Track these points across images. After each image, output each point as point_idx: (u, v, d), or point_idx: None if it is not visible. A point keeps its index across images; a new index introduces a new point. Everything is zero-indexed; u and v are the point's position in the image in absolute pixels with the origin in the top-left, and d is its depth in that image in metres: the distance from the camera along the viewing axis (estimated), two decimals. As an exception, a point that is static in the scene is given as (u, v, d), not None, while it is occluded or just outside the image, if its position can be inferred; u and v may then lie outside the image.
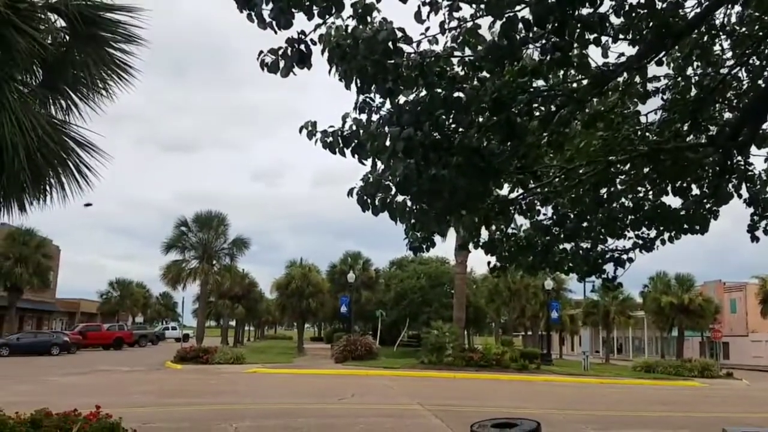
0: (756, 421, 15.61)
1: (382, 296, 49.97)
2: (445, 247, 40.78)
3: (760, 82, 6.10)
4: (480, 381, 26.87)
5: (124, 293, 73.49)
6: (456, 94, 5.04)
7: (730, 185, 6.93)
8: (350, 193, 5.66)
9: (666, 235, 7.19)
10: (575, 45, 4.50)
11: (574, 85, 5.22)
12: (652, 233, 7.02)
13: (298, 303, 44.54)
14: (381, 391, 21.11)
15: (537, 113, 5.10)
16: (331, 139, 5.40)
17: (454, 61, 5.14)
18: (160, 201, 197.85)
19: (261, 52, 4.88)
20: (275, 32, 4.50)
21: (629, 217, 7.03)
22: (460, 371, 29.31)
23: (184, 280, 38.99)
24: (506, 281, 44.44)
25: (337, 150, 5.41)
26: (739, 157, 6.60)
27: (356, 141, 5.34)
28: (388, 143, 5.14)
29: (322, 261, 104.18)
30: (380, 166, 5.57)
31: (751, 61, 6.04)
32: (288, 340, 78.55)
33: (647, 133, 6.49)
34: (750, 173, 6.90)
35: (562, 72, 5.08)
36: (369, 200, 5.60)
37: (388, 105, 5.31)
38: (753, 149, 6.75)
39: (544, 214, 7.01)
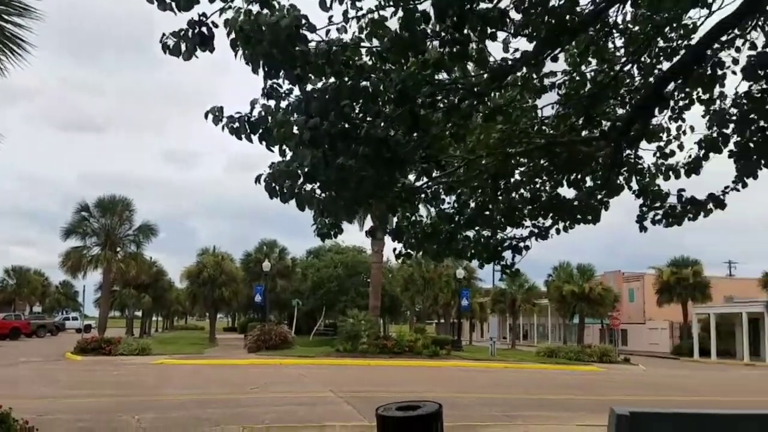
0: (648, 404, 16.69)
1: (298, 285, 49.71)
2: (361, 236, 41.12)
3: (650, 79, 6.51)
4: (393, 368, 27.34)
5: (21, 281, 69.44)
6: (363, 84, 5.11)
7: (621, 178, 7.37)
8: (258, 180, 5.62)
9: (561, 225, 7.57)
10: (475, 39, 4.66)
11: (476, 79, 5.40)
12: (548, 222, 7.37)
13: (210, 292, 43.65)
14: (295, 380, 21.08)
15: (441, 105, 5.24)
16: (237, 124, 5.34)
17: (364, 50, 5.21)
18: (65, 183, 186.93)
19: (163, 34, 4.76)
20: (175, 14, 4.40)
21: (527, 206, 7.36)
22: (374, 359, 29.75)
23: (85, 268, 37.14)
24: (420, 270, 45.38)
25: (243, 136, 5.36)
26: (629, 151, 7.03)
27: (263, 127, 5.31)
28: (295, 131, 5.15)
29: (238, 249, 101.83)
30: (289, 153, 5.57)
31: (642, 59, 6.43)
32: (199, 330, 76.66)
33: (544, 127, 6.81)
34: (639, 167, 7.34)
35: (463, 66, 5.24)
36: (277, 188, 5.59)
37: (297, 91, 5.32)
38: (643, 143, 7.24)
39: (449, 203, 7.23)
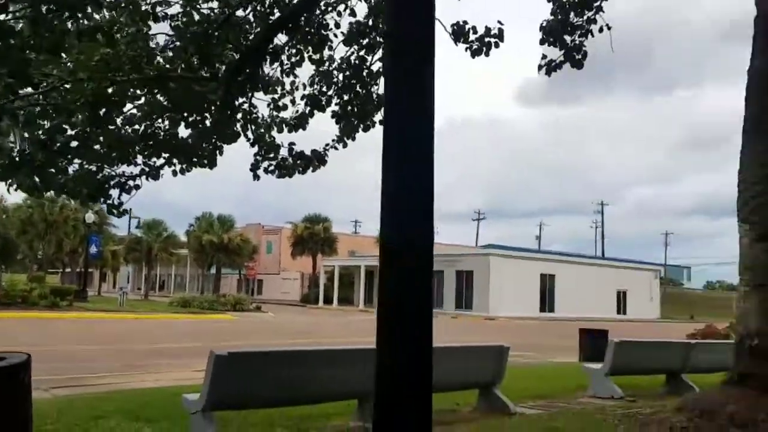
0: (264, 347, 17.72)
1: None
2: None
3: (263, 27, 6.67)
4: (-3, 321, 23.84)
5: None
6: None
7: (238, 125, 7.50)
8: None
9: (178, 167, 7.39)
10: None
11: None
12: (160, 161, 7.11)
13: None
14: None
15: (25, 14, 4.51)
16: None
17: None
18: None
19: None
20: None
21: (141, 143, 6.98)
22: (-27, 311, 25.59)
23: None
24: (42, 212, 40.38)
25: None
26: (244, 99, 7.17)
27: None
28: None
29: None
30: None
31: (258, 7, 6.54)
32: None
33: (159, 59, 6.46)
34: (255, 116, 7.57)
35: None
36: None
37: None
38: (261, 95, 7.46)
39: (46, 128, 6.36)
